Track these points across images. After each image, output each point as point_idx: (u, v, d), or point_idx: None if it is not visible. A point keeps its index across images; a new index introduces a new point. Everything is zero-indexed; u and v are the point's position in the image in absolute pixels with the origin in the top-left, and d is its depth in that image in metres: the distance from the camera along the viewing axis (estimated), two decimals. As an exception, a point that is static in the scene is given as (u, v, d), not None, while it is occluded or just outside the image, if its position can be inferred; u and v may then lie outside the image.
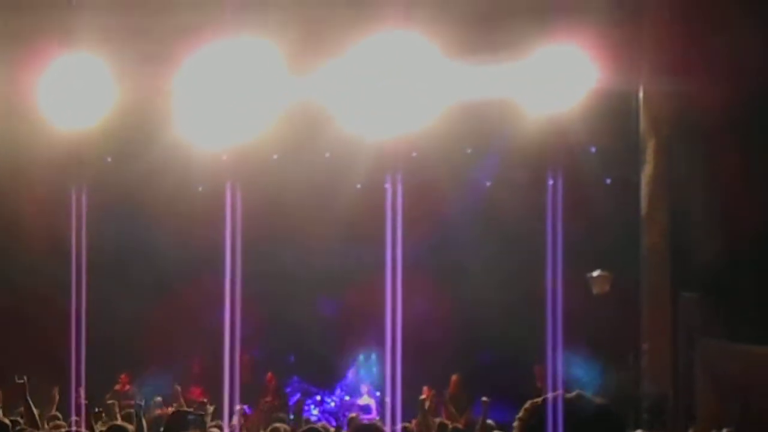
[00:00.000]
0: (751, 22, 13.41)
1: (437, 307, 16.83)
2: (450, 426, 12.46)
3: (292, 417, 14.34)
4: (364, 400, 18.08)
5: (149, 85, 14.37)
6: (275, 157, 17.06)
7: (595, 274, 15.85)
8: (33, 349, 15.33)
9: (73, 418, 10.92)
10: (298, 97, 14.58)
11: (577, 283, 15.03)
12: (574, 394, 3.88)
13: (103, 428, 9.43)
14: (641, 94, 14.84)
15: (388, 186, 12.15)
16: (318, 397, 18.51)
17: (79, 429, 9.91)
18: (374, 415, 17.62)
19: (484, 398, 11.97)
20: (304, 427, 9.83)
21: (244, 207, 11.44)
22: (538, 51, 14.07)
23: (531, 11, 13.74)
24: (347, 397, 18.38)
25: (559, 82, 14.11)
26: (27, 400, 9.16)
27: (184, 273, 17.22)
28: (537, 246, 12.17)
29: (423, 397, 14.60)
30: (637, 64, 14.58)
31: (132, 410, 11.24)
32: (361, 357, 18.43)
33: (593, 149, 15.84)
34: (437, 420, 13.14)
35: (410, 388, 14.95)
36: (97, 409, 10.68)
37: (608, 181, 16.27)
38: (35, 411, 9.33)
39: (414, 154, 15.45)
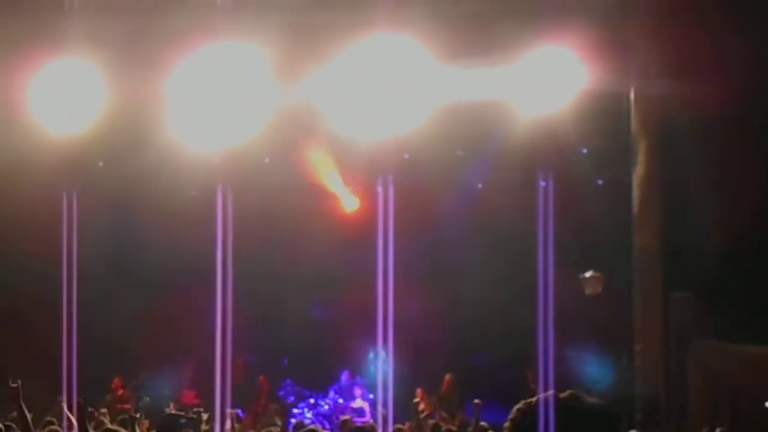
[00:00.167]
0: (740, 24, 13.45)
1: (429, 308, 16.82)
2: (444, 428, 12.48)
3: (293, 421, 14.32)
4: (358, 403, 18.06)
5: (141, 90, 14.37)
6: (267, 160, 17.05)
7: (588, 274, 15.87)
8: (25, 353, 15.30)
9: (65, 423, 10.90)
10: (290, 101, 14.59)
11: (570, 284, 15.04)
12: (568, 393, 3.88)
13: (97, 432, 9.42)
14: (632, 96, 14.86)
15: (380, 188, 12.17)
16: (311, 400, 18.49)
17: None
18: (368, 418, 17.61)
19: (476, 400, 11.98)
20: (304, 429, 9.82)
21: (236, 210, 11.44)
22: (529, 53, 14.09)
23: (522, 13, 13.77)
24: (341, 400, 18.35)
25: (550, 83, 14.14)
26: (20, 405, 9.13)
27: (176, 276, 17.19)
28: (529, 247, 12.19)
29: (417, 399, 14.62)
30: (627, 66, 14.60)
31: (126, 415, 11.24)
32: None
33: (585, 150, 15.86)
34: (431, 422, 13.16)
35: (404, 390, 15.01)
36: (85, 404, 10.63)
37: (600, 182, 16.30)
38: (29, 416, 9.31)
39: (406, 156, 15.47)
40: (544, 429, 3.80)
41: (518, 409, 3.84)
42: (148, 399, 14.21)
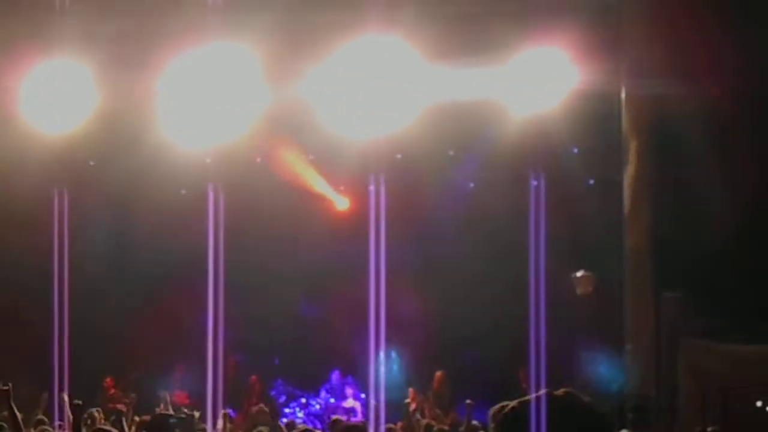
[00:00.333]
0: (731, 24, 13.47)
1: (421, 308, 16.83)
2: (435, 427, 12.49)
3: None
4: (349, 402, 18.07)
5: (133, 89, 14.35)
6: (258, 160, 17.05)
7: (579, 274, 15.90)
8: (17, 352, 15.27)
9: (57, 422, 10.89)
10: (281, 100, 14.58)
11: (561, 284, 15.05)
12: (562, 391, 3.88)
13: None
14: (623, 95, 14.88)
15: (371, 187, 12.16)
16: (303, 400, 18.48)
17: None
18: (359, 418, 17.61)
19: (468, 401, 11.98)
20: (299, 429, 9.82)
21: (228, 210, 11.43)
22: (520, 53, 14.10)
23: (513, 14, 13.77)
24: (332, 400, 18.35)
25: (541, 83, 14.15)
26: (11, 406, 9.12)
27: (168, 276, 17.17)
28: (520, 246, 12.20)
29: (408, 399, 14.61)
30: (618, 66, 14.62)
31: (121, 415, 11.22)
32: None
33: (576, 150, 15.88)
34: (423, 422, 13.16)
35: (396, 389, 15.02)
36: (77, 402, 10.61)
37: (591, 181, 16.32)
38: (19, 416, 9.29)
39: (398, 156, 15.48)
40: (536, 427, 3.80)
41: (512, 407, 3.84)
42: (134, 395, 14.18)
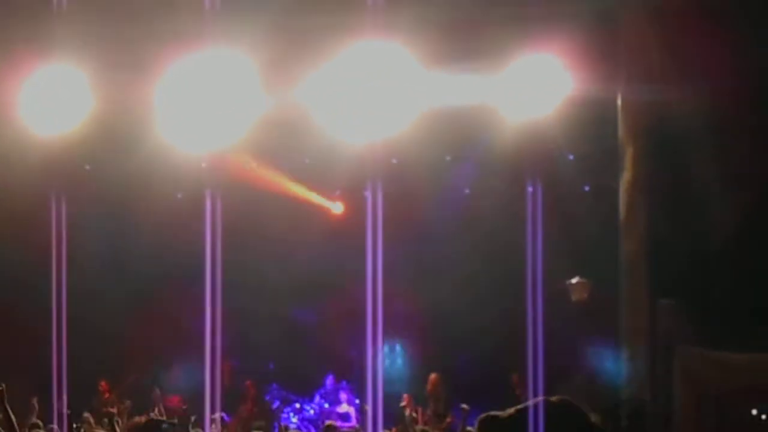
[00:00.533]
0: (727, 30, 13.49)
1: (417, 313, 16.84)
2: (430, 432, 12.49)
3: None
4: (343, 408, 18.07)
5: (130, 93, 14.34)
6: (254, 164, 17.05)
7: (574, 280, 15.91)
8: (12, 356, 15.25)
9: (54, 425, 10.88)
10: (278, 105, 14.58)
11: (556, 290, 15.07)
12: (557, 398, 3.89)
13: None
14: (619, 102, 14.89)
15: (367, 193, 12.15)
16: (297, 405, 18.49)
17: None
18: (353, 423, 17.61)
19: (464, 405, 11.98)
20: None
21: (224, 214, 11.42)
22: (517, 59, 14.11)
23: (509, 20, 13.78)
24: (326, 405, 18.36)
25: (537, 89, 14.15)
26: (6, 408, 9.10)
27: (163, 280, 17.17)
28: (516, 253, 12.21)
29: (403, 404, 14.63)
30: (615, 72, 14.63)
31: (117, 417, 11.22)
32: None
33: (572, 156, 15.90)
34: (418, 428, 13.17)
35: (390, 395, 15.00)
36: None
37: (587, 187, 16.34)
38: (14, 418, 9.27)
39: (394, 161, 15.48)
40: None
41: (509, 415, 3.84)
42: (128, 402, 14.18)
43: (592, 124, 14.96)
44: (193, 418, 11.72)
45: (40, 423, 11.46)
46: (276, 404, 18.29)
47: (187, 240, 13.05)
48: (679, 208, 14.50)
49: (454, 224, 16.82)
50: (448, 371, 16.53)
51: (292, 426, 17.26)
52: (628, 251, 14.92)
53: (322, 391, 18.48)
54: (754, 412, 14.10)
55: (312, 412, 18.45)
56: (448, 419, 15.37)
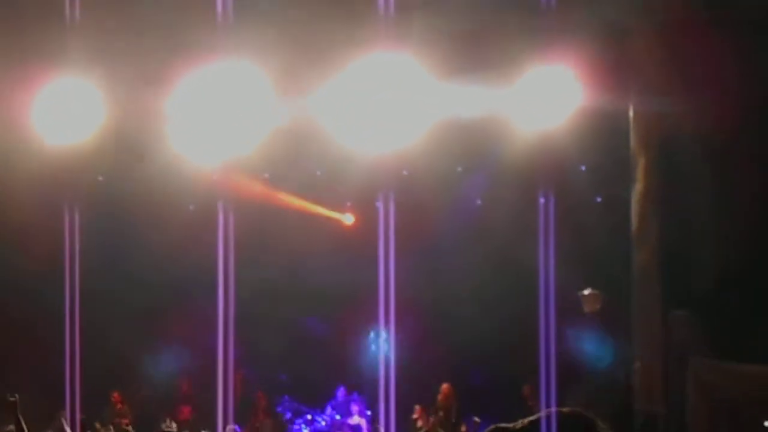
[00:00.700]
0: (739, 43, 13.48)
1: (428, 325, 16.82)
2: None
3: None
4: (355, 419, 18.06)
5: (141, 105, 14.40)
6: (266, 176, 17.08)
7: (586, 292, 15.88)
8: (25, 366, 15.30)
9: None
10: (290, 117, 14.62)
11: (569, 301, 15.04)
12: (568, 409, 3.88)
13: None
14: (631, 113, 14.89)
15: (379, 204, 12.17)
16: (309, 416, 18.47)
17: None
18: (365, 435, 17.61)
19: (475, 419, 11.97)
20: None
21: (236, 226, 11.44)
22: (529, 70, 14.12)
23: (522, 32, 13.79)
24: (338, 417, 18.35)
25: (549, 101, 14.15)
26: (18, 419, 9.12)
27: (176, 291, 17.20)
28: (528, 263, 12.20)
29: (415, 416, 14.61)
30: (626, 83, 14.63)
31: (128, 428, 11.23)
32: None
33: (584, 167, 15.89)
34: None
35: (402, 408, 14.99)
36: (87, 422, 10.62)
37: (599, 199, 16.32)
38: (26, 429, 9.29)
39: (405, 173, 15.49)
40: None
41: (522, 427, 3.83)
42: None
43: (604, 135, 14.96)
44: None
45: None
46: (288, 416, 18.28)
47: (199, 251, 13.07)
48: (691, 219, 14.48)
49: (466, 235, 16.82)
50: (460, 382, 16.52)
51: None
52: (640, 262, 14.90)
53: (334, 402, 18.47)
54: (767, 423, 14.04)
55: (323, 423, 18.43)
56: (463, 429, 15.35)
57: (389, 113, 14.02)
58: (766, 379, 13.69)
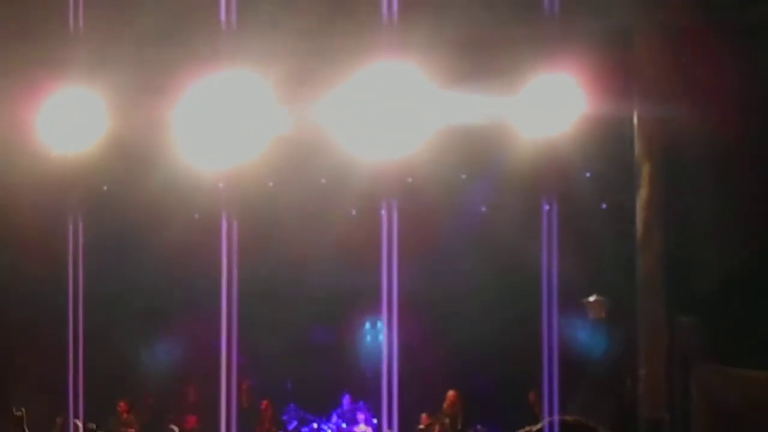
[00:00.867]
0: (741, 50, 13.49)
1: (432, 331, 16.82)
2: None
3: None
4: (361, 428, 18.05)
5: (146, 115, 14.43)
6: (271, 184, 17.10)
7: (591, 299, 15.88)
8: (30, 376, 15.31)
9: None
10: (294, 125, 14.64)
11: (573, 308, 15.04)
12: (572, 418, 3.88)
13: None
14: (635, 120, 14.89)
15: (383, 212, 12.17)
16: (315, 425, 18.46)
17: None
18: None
19: (479, 426, 11.96)
20: None
21: (241, 234, 11.45)
22: (532, 78, 14.13)
23: (525, 39, 13.81)
24: (344, 425, 18.34)
25: (553, 108, 14.16)
26: (24, 431, 9.14)
27: (181, 300, 17.21)
28: (532, 270, 12.19)
29: (421, 426, 14.60)
30: (630, 90, 14.63)
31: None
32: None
33: (588, 174, 15.89)
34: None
35: (406, 415, 14.97)
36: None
37: (603, 205, 16.32)
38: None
39: (409, 180, 15.50)
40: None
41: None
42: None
43: (609, 142, 14.96)
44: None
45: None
46: (293, 424, 18.27)
47: (204, 260, 13.07)
48: (696, 226, 14.47)
49: (470, 242, 16.82)
50: (464, 390, 16.51)
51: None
52: (645, 268, 14.89)
53: (339, 410, 18.46)
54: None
55: (329, 432, 18.43)
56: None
57: (393, 121, 14.05)
58: (770, 385, 13.69)
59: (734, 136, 13.78)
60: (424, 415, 15.81)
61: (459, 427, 15.89)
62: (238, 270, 11.12)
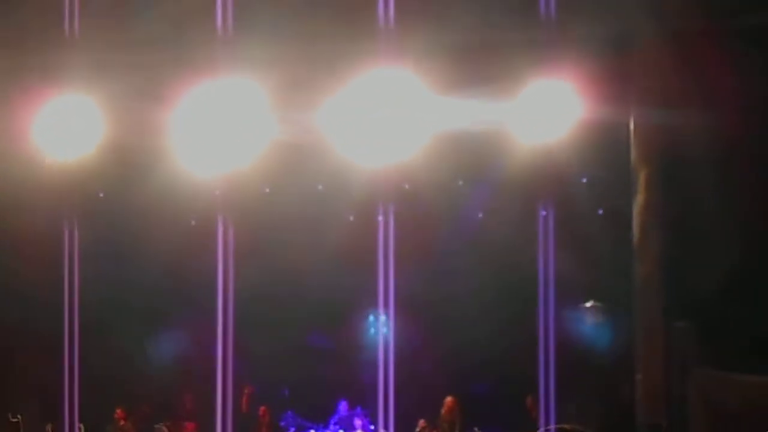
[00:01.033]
0: (740, 55, 13.51)
1: (429, 338, 16.81)
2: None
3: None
4: (358, 435, 18.03)
5: (142, 121, 14.44)
6: (267, 190, 17.09)
7: (588, 304, 15.88)
8: (25, 384, 15.29)
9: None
10: (291, 131, 14.65)
11: (570, 313, 15.05)
12: (569, 426, 3.89)
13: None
14: (632, 125, 14.90)
15: (380, 218, 12.20)
16: (312, 431, 18.44)
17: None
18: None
19: (475, 429, 11.95)
20: None
21: (237, 240, 11.47)
22: (529, 84, 14.15)
23: (522, 44, 13.83)
24: (341, 431, 18.31)
25: (550, 114, 14.18)
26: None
27: (177, 306, 17.19)
28: (530, 276, 12.22)
29: (418, 430, 14.58)
30: (627, 96, 14.65)
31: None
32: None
33: (585, 180, 15.90)
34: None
35: (404, 419, 14.98)
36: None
37: (600, 211, 16.32)
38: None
39: (406, 186, 15.51)
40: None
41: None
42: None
43: (605, 148, 14.97)
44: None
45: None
46: (291, 431, 18.25)
47: (201, 266, 13.08)
48: (692, 231, 14.49)
49: (468, 247, 16.82)
50: (462, 396, 16.51)
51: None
52: (642, 274, 14.90)
53: (336, 417, 18.44)
54: (770, 434, 14.03)
55: (326, 439, 18.41)
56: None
57: (390, 127, 14.06)
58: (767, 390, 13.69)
59: (731, 141, 13.80)
60: (421, 421, 15.80)
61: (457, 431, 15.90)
62: (235, 276, 11.14)
